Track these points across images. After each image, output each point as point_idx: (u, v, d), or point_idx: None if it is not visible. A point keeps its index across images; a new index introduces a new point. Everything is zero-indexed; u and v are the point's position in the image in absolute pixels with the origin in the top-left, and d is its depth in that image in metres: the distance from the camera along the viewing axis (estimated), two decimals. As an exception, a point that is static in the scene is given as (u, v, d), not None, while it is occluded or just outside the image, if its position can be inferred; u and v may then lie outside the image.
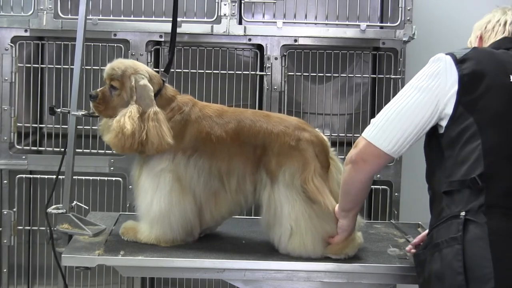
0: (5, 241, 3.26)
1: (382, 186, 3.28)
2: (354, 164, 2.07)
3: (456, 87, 1.95)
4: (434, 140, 2.05)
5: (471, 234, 1.88)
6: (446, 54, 2.00)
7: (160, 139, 2.30)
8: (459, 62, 1.97)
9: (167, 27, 3.09)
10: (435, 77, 1.98)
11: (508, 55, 2.01)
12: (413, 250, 2.28)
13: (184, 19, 3.22)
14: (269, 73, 3.24)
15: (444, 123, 1.98)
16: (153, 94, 2.37)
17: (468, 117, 1.93)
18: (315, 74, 3.34)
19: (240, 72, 3.32)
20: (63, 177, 2.49)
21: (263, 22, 3.31)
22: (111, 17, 3.24)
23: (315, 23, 3.28)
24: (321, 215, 2.29)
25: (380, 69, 3.41)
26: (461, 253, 1.87)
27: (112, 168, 3.24)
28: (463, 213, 1.91)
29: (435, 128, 2.03)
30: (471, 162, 1.92)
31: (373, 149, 2.02)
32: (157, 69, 3.18)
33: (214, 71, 3.30)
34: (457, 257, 1.88)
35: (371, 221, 3.05)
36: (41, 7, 3.16)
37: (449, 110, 1.96)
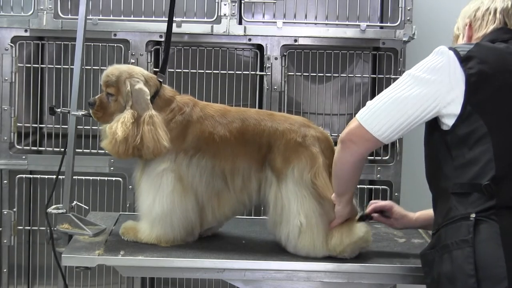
0: (5, 241, 3.26)
1: (382, 186, 3.28)
2: (342, 144, 2.07)
3: (462, 88, 1.92)
4: (438, 137, 2.02)
5: (482, 234, 1.88)
6: (449, 48, 1.97)
7: (155, 143, 2.30)
8: (463, 60, 1.94)
9: (167, 27, 3.11)
10: (437, 72, 1.95)
11: (510, 50, 1.98)
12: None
13: (184, 19, 3.23)
14: (269, 73, 3.24)
15: (450, 122, 1.96)
16: (149, 98, 2.36)
17: (477, 118, 1.91)
18: (315, 74, 3.34)
19: (240, 72, 3.32)
20: (63, 177, 2.49)
21: (263, 22, 3.31)
22: (111, 17, 3.24)
23: (315, 23, 3.28)
24: (331, 215, 2.29)
25: (380, 69, 3.41)
26: (472, 255, 1.86)
27: (112, 168, 3.24)
28: (473, 215, 1.90)
29: (435, 124, 2.01)
30: (482, 164, 1.91)
31: (363, 132, 2.01)
32: (157, 69, 3.17)
33: (214, 71, 3.30)
34: (468, 260, 1.87)
35: (371, 221, 3.04)
36: (41, 7, 3.16)
37: (456, 110, 1.93)
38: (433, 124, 2.02)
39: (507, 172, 1.90)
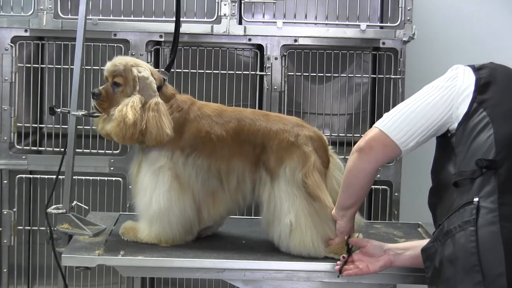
0: (5, 241, 3.26)
1: (382, 186, 3.28)
2: (360, 152, 2.10)
3: (472, 88, 2.03)
4: (444, 145, 2.10)
5: (482, 219, 1.90)
6: (466, 65, 2.11)
7: (158, 129, 2.30)
8: (477, 69, 2.08)
9: (167, 27, 3.11)
10: (453, 80, 2.08)
11: None
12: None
13: (184, 19, 3.22)
14: (269, 73, 3.24)
15: (455, 125, 2.04)
16: (155, 86, 2.37)
17: (481, 111, 2.00)
18: (315, 74, 3.33)
19: (240, 72, 3.32)
20: (63, 177, 2.49)
21: (263, 22, 3.31)
22: (111, 17, 3.24)
23: (315, 23, 3.28)
24: (321, 213, 2.29)
25: (380, 69, 3.41)
26: (474, 234, 1.88)
27: (112, 168, 3.24)
28: (476, 199, 1.93)
29: (444, 135, 2.09)
30: (483, 151, 1.96)
31: (383, 137, 2.07)
32: (157, 69, 3.17)
33: (214, 71, 3.30)
34: (470, 238, 1.89)
35: (371, 221, 3.05)
36: (41, 7, 3.16)
37: (464, 109, 2.03)
38: (441, 136, 2.11)
39: (507, 157, 1.93)
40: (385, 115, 2.12)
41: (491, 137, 1.95)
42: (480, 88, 2.02)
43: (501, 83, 2.03)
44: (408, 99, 2.12)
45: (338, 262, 2.22)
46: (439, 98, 2.06)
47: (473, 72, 2.07)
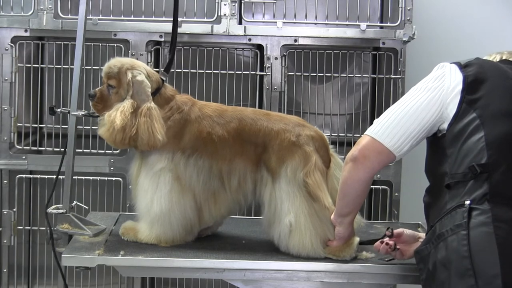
0: (5, 241, 3.26)
1: (382, 186, 3.28)
2: (354, 161, 2.09)
3: (460, 87, 2.02)
4: (435, 145, 2.09)
5: (475, 221, 1.90)
6: (451, 63, 2.08)
7: (150, 135, 2.30)
8: (463, 67, 2.05)
9: (167, 27, 3.10)
10: (440, 80, 2.06)
11: (509, 67, 2.08)
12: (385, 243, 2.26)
13: (184, 19, 3.22)
14: (269, 73, 3.24)
15: (446, 125, 2.03)
16: (150, 90, 2.36)
17: (471, 112, 1.99)
18: (315, 74, 3.34)
19: (240, 72, 3.32)
20: (63, 177, 2.49)
21: (263, 22, 3.31)
22: (111, 17, 3.24)
23: (315, 23, 3.28)
24: (320, 214, 2.29)
25: (380, 69, 3.41)
26: (466, 238, 1.88)
27: (112, 168, 3.24)
28: (467, 202, 1.93)
29: (435, 135, 2.08)
30: (475, 154, 1.95)
31: (376, 145, 2.06)
32: (157, 69, 3.18)
33: (214, 71, 3.30)
34: (462, 242, 1.89)
35: (371, 221, 3.05)
36: (41, 7, 3.16)
37: (453, 109, 2.01)
38: (432, 136, 2.10)
39: (498, 159, 1.94)
40: (376, 121, 2.10)
41: (482, 139, 1.95)
42: (469, 87, 2.01)
43: (489, 81, 2.01)
44: (397, 103, 2.10)
45: (390, 243, 2.25)
46: (429, 99, 2.05)
47: (459, 70, 2.05)
